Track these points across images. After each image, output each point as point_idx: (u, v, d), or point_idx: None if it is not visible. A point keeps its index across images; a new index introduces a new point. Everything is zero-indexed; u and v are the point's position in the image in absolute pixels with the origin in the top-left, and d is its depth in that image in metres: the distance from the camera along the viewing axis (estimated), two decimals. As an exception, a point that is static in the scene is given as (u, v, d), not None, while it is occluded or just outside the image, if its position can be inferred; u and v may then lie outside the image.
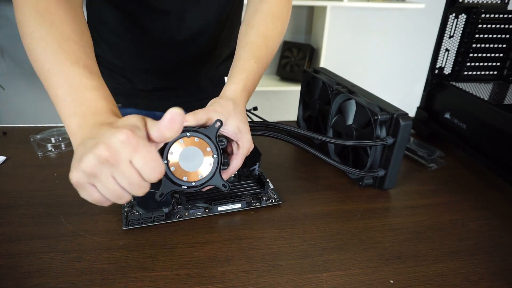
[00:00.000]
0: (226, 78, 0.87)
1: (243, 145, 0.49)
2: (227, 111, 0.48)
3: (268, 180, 0.59)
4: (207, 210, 0.52)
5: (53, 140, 0.70)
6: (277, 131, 0.61)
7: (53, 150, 0.68)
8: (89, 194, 0.36)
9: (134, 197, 0.53)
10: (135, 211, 0.51)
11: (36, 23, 0.42)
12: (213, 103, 0.49)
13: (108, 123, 0.37)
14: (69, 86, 0.40)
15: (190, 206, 0.53)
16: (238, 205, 0.53)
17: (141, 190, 0.36)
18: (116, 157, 0.33)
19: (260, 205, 0.54)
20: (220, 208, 0.52)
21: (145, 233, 0.48)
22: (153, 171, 0.35)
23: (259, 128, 0.61)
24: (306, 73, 0.76)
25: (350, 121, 0.63)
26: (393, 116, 0.55)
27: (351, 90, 0.64)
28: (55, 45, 0.41)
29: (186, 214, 0.52)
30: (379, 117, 0.55)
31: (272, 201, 0.55)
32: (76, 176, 0.35)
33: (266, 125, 0.62)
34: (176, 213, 0.51)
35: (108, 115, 0.39)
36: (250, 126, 0.51)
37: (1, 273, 0.41)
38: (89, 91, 0.40)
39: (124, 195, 0.36)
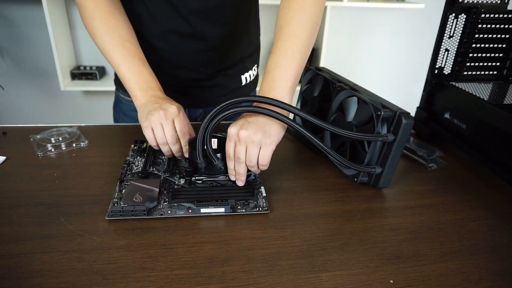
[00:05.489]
0: (243, 77, 0.86)
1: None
2: None
3: (261, 187, 0.58)
4: (190, 211, 0.52)
5: (53, 140, 0.70)
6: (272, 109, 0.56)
7: (53, 150, 0.68)
8: (148, 133, 0.59)
9: (122, 190, 0.55)
10: (121, 203, 0.52)
11: (103, 30, 0.64)
12: None
13: (165, 98, 0.63)
14: (133, 72, 0.64)
15: (175, 204, 0.53)
16: (222, 209, 0.52)
17: (174, 143, 0.59)
18: (166, 117, 0.58)
19: (246, 212, 0.53)
20: (203, 210, 0.52)
21: (145, 233, 0.48)
22: (184, 129, 0.59)
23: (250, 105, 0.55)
24: (309, 71, 0.77)
25: (350, 118, 0.63)
26: (396, 113, 0.55)
27: (354, 88, 0.64)
28: (119, 46, 0.64)
29: (169, 212, 0.52)
30: (382, 113, 0.56)
31: (259, 209, 0.54)
32: (145, 124, 0.59)
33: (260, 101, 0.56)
34: (159, 210, 0.52)
35: (159, 91, 0.64)
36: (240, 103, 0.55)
37: (1, 273, 0.41)
38: (147, 75, 0.64)
39: (166, 143, 0.59)
